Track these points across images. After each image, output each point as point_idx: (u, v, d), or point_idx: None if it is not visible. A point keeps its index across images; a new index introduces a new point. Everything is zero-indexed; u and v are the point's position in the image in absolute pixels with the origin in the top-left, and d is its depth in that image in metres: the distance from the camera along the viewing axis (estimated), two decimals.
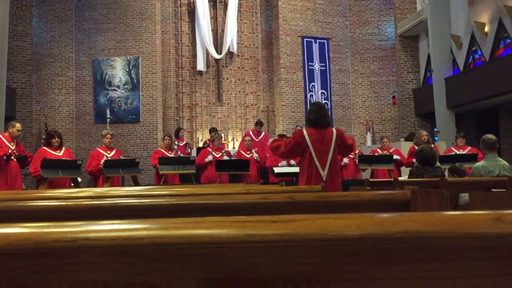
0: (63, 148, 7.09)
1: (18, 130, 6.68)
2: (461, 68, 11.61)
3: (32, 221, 0.84)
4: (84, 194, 2.63)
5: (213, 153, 8.24)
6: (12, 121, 6.90)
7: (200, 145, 11.69)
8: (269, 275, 0.79)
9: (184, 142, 10.54)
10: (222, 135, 10.53)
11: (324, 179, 4.45)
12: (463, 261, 0.78)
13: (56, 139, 6.90)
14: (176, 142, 10.08)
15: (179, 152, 8.79)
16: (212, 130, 10.55)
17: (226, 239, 0.77)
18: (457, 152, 8.19)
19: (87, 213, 1.76)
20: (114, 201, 1.92)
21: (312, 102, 12.58)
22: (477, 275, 0.78)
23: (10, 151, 6.48)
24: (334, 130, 4.68)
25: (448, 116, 11.56)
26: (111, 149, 7.63)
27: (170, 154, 8.17)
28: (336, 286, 0.79)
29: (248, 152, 8.45)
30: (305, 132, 4.61)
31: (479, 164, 5.07)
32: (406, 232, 0.77)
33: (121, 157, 7.73)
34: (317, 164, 4.50)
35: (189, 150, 10.16)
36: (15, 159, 6.58)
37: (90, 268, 0.78)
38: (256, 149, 8.69)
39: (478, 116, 11.98)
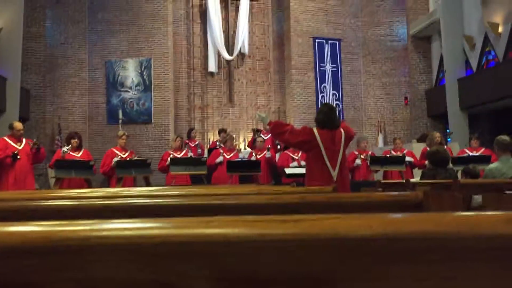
0: (82, 149, 7.17)
1: (18, 130, 6.71)
2: (474, 69, 11.50)
3: (45, 220, 0.85)
4: (96, 194, 2.65)
5: (224, 154, 8.25)
6: (12, 122, 6.95)
7: (210, 146, 11.71)
8: (280, 274, 0.79)
9: (196, 143, 10.58)
10: (234, 136, 10.55)
11: (335, 179, 4.45)
12: (476, 262, 0.78)
13: (76, 140, 7.00)
14: (188, 143, 10.11)
15: (189, 153, 8.81)
16: (221, 131, 10.58)
17: (237, 239, 0.77)
18: (470, 154, 8.11)
19: (99, 213, 1.78)
20: (126, 201, 1.93)
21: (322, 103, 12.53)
22: (490, 277, 0.78)
23: (16, 151, 6.54)
24: (342, 130, 4.67)
25: (461, 117, 11.46)
26: (125, 150, 7.70)
27: (180, 155, 8.20)
28: (346, 286, 0.79)
29: (260, 153, 8.45)
30: (315, 131, 4.57)
31: (492, 165, 5.02)
32: (418, 233, 0.77)
33: (134, 158, 7.78)
34: (328, 164, 4.48)
35: (200, 150, 10.19)
36: (35, 148, 6.61)
37: (103, 266, 0.79)
38: (269, 146, 8.68)
39: (492, 117, 11.85)
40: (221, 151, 8.36)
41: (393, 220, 0.81)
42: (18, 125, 6.77)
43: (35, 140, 6.72)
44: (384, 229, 0.78)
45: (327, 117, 4.58)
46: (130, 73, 12.72)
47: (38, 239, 0.77)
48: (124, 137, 7.72)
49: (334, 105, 13.02)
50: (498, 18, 10.54)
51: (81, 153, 7.07)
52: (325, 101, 13.05)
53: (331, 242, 0.77)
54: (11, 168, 6.54)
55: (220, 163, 8.12)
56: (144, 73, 12.68)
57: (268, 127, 5.05)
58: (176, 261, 0.79)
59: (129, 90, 12.69)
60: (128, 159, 7.53)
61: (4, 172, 6.55)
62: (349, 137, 4.73)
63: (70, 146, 6.88)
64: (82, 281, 0.79)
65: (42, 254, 0.78)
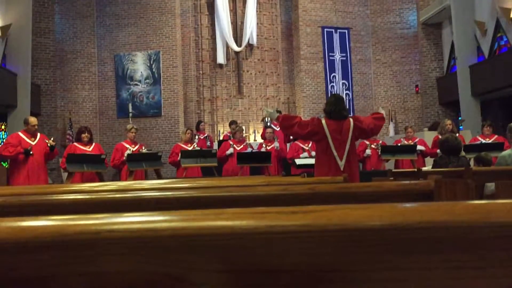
0: (93, 144, 7.22)
1: (33, 125, 6.75)
2: (486, 55, 11.35)
3: (57, 214, 0.86)
4: (108, 187, 2.67)
5: (234, 145, 8.26)
6: (26, 117, 6.98)
7: (221, 138, 11.73)
8: (289, 265, 0.79)
9: (205, 135, 10.59)
10: (244, 127, 10.55)
11: (342, 169, 4.54)
12: (489, 251, 0.77)
13: (86, 134, 7.05)
14: (197, 135, 10.13)
15: (195, 145, 8.78)
16: (232, 123, 10.58)
17: (246, 230, 0.77)
18: (483, 141, 8.03)
19: (111, 206, 1.79)
20: (137, 194, 1.94)
21: (332, 93, 12.50)
22: (503, 265, 0.77)
23: (29, 147, 6.58)
24: (351, 120, 4.73)
25: (473, 104, 11.33)
26: (135, 143, 7.75)
27: (190, 147, 8.22)
28: (356, 277, 0.78)
29: (269, 144, 8.44)
30: (323, 122, 4.66)
31: (505, 152, 4.96)
32: (429, 222, 0.76)
33: (144, 150, 7.82)
34: (335, 154, 4.59)
35: (209, 143, 10.21)
36: (49, 148, 6.65)
37: (113, 260, 0.79)
38: (278, 137, 8.68)
39: (504, 104, 11.71)
40: (231, 143, 8.37)
41: (403, 210, 0.80)
42: (33, 120, 6.82)
43: (52, 139, 6.74)
44: (394, 219, 0.77)
45: (334, 108, 4.68)
46: (139, 66, 12.75)
47: (49, 233, 0.78)
48: (133, 130, 7.75)
49: (344, 94, 12.96)
50: (510, 3, 10.36)
51: (92, 147, 7.12)
52: (335, 91, 12.98)
53: (340, 233, 0.77)
54: (25, 163, 6.60)
55: (231, 155, 8.13)
56: (153, 66, 12.71)
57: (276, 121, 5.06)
58: (186, 254, 0.79)
59: (139, 83, 12.73)
60: (139, 152, 7.57)
61: (17, 167, 6.61)
62: (358, 128, 4.74)
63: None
64: (94, 275, 0.79)
65: (54, 249, 0.78)
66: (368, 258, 0.78)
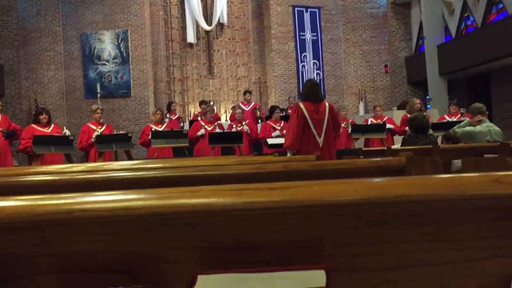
0: (52, 125, 7.01)
1: None
2: (453, 34, 11.54)
3: (27, 195, 0.83)
4: (77, 169, 2.61)
5: (205, 126, 8.20)
6: None
7: (191, 118, 11.61)
8: (268, 242, 0.78)
9: (177, 116, 10.48)
10: (215, 108, 10.48)
11: (321, 145, 4.98)
12: (463, 223, 0.78)
13: (44, 115, 6.83)
14: (168, 116, 10.01)
15: (165, 125, 8.68)
16: (202, 103, 10.48)
17: (224, 208, 0.76)
18: (449, 120, 8.21)
19: (81, 187, 1.75)
20: (108, 175, 1.91)
21: (307, 78, 12.65)
22: (477, 237, 0.79)
23: None
24: (326, 104, 5.20)
25: (440, 83, 11.55)
26: (101, 124, 7.58)
27: (161, 128, 8.12)
28: (335, 251, 0.79)
29: (239, 125, 8.41)
30: (301, 105, 5.10)
31: (478, 127, 5.03)
32: (404, 196, 0.77)
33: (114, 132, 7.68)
34: (314, 132, 5.01)
35: (182, 124, 10.10)
36: (3, 137, 6.47)
37: (87, 240, 0.77)
38: (247, 121, 8.64)
39: (470, 82, 11.98)
40: (202, 123, 8.30)
41: (379, 184, 0.81)
42: None
43: (2, 129, 6.48)
44: (370, 193, 0.78)
45: (311, 91, 5.12)
46: (106, 45, 12.43)
47: (19, 213, 0.75)
48: (98, 111, 7.56)
49: (315, 74, 13.02)
50: None
51: (51, 128, 6.91)
52: (306, 71, 13.01)
53: (319, 208, 0.77)
54: None
55: (202, 136, 8.07)
56: (121, 45, 12.41)
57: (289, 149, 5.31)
58: (161, 232, 0.78)
59: (106, 63, 12.43)
60: (109, 133, 7.43)
61: None
62: (332, 114, 5.16)
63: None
64: (67, 255, 0.77)
65: (24, 229, 0.76)
66: (346, 233, 0.79)
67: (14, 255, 0.76)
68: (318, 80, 12.57)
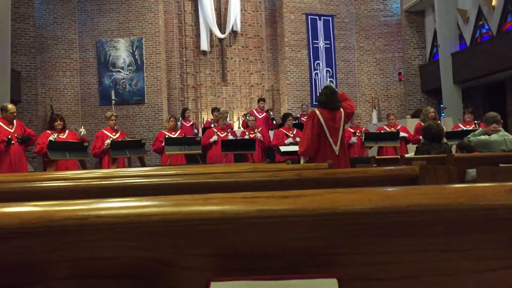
0: (67, 131, 7.10)
1: (12, 113, 6.58)
2: (468, 43, 11.45)
3: (42, 201, 0.84)
4: (92, 175, 2.64)
5: (218, 133, 8.22)
6: (4, 104, 6.81)
7: (204, 125, 11.66)
8: (280, 249, 0.79)
9: (191, 123, 10.53)
10: (228, 114, 10.51)
11: (337, 153, 5.02)
12: (476, 234, 0.78)
13: (59, 122, 6.92)
14: (179, 121, 10.06)
15: (179, 132, 8.72)
16: (214, 110, 10.51)
17: (236, 215, 0.77)
18: (464, 128, 8.13)
19: (96, 193, 1.77)
20: (122, 181, 1.92)
21: (320, 86, 12.65)
22: (490, 248, 0.78)
23: (10, 136, 6.46)
24: (342, 111, 5.15)
25: (454, 92, 11.45)
26: (116, 131, 7.65)
27: (174, 135, 8.17)
28: (346, 260, 0.79)
29: (252, 132, 8.42)
30: (317, 112, 5.09)
31: (493, 137, 4.98)
32: (418, 205, 0.76)
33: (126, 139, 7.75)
34: (330, 140, 5.04)
35: (195, 130, 10.15)
36: (18, 142, 6.56)
37: (102, 246, 0.78)
38: (260, 128, 8.65)
39: (485, 91, 11.86)
40: (215, 130, 8.33)
41: (392, 193, 0.81)
42: (11, 107, 6.66)
43: (16, 135, 6.58)
44: (384, 202, 0.78)
45: (329, 99, 5.08)
46: (121, 53, 12.56)
47: (35, 219, 0.76)
48: (113, 118, 7.64)
49: (328, 81, 12.99)
50: None
51: (66, 135, 6.99)
52: (319, 79, 13.01)
53: (331, 217, 0.77)
54: (6, 152, 6.49)
55: (215, 142, 8.09)
56: (136, 52, 12.53)
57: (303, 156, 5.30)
58: (176, 239, 0.79)
59: (121, 70, 12.56)
60: (121, 140, 7.49)
61: None
62: (347, 115, 5.20)
63: (56, 135, 6.79)
64: (82, 261, 0.78)
65: (40, 235, 0.77)
66: (359, 242, 0.78)
67: (30, 260, 0.78)
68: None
